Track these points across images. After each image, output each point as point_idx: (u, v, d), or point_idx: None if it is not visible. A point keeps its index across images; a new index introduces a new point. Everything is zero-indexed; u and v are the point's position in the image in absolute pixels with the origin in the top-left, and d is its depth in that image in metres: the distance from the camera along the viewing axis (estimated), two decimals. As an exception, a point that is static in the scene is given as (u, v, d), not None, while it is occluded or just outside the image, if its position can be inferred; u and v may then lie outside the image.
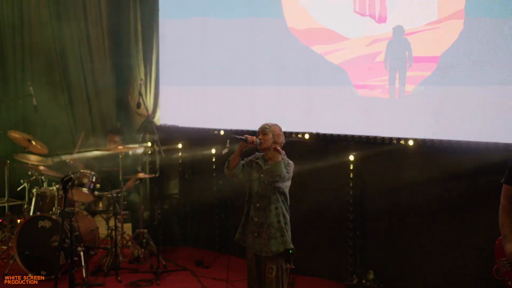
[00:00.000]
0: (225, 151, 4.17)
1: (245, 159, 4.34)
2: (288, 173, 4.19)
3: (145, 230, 6.80)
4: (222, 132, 6.74)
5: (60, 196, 6.16)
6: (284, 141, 4.33)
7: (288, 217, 4.30)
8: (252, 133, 6.38)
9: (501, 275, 3.70)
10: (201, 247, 7.10)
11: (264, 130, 4.26)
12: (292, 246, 4.23)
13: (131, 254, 6.61)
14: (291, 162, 4.28)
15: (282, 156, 4.26)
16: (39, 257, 5.82)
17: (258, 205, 4.24)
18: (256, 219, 4.25)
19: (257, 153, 4.37)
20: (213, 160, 6.84)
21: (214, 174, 6.87)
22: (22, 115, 7.76)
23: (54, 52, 7.98)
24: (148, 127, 7.44)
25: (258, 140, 4.23)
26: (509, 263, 3.65)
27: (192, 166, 7.19)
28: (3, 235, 6.65)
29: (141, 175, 6.73)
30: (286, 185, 4.25)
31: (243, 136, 4.22)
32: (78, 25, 8.12)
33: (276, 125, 4.32)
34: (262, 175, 4.23)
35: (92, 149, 7.17)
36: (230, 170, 4.24)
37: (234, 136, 4.26)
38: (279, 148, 4.16)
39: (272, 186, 4.16)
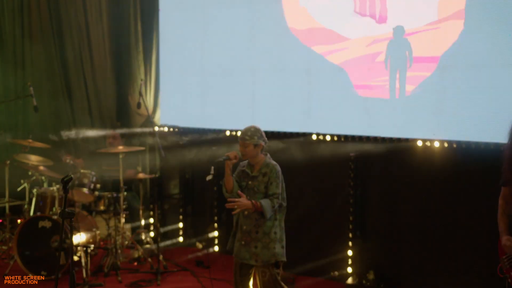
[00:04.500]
0: (209, 177, 4.15)
1: (233, 175, 4.27)
2: (278, 199, 4.11)
3: (146, 230, 6.80)
4: (221, 132, 6.74)
5: (60, 197, 6.16)
6: (265, 144, 4.22)
7: (283, 223, 4.24)
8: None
9: (505, 272, 3.75)
10: (201, 247, 7.10)
11: (244, 142, 4.15)
12: (283, 258, 4.19)
13: (131, 254, 6.61)
14: (277, 168, 4.16)
15: (267, 161, 4.19)
16: (39, 257, 5.82)
17: (246, 212, 4.16)
18: (244, 227, 4.19)
19: (241, 162, 4.29)
20: (213, 160, 6.83)
21: (214, 174, 6.85)
22: (22, 115, 7.77)
23: (54, 52, 7.98)
24: (149, 127, 7.44)
25: (239, 153, 4.18)
26: (508, 260, 3.69)
27: (192, 166, 7.19)
28: (3, 235, 6.65)
29: (141, 175, 6.73)
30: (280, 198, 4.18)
31: (224, 156, 4.15)
32: (78, 25, 8.12)
33: (256, 131, 4.17)
34: (250, 182, 4.18)
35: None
36: (228, 193, 4.18)
37: (217, 160, 4.15)
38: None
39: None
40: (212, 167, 4.12)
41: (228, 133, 6.71)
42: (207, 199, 6.99)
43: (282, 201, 4.18)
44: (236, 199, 4.08)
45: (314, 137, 5.97)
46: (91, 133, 7.54)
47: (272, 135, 6.22)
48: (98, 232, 6.35)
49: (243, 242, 4.19)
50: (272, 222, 4.15)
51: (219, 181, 6.82)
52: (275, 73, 6.36)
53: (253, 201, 4.07)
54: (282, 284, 4.22)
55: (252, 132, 4.17)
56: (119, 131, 7.15)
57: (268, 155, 4.26)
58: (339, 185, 5.77)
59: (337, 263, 5.82)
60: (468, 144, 4.93)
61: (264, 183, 4.15)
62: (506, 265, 3.72)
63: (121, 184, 6.44)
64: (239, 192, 4.14)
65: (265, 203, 4.06)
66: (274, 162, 4.22)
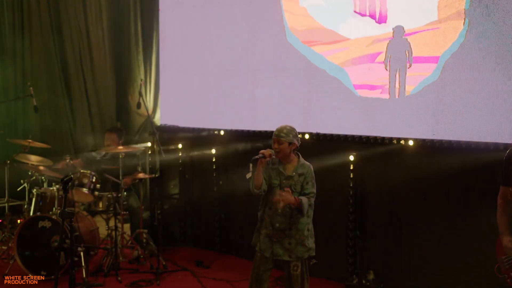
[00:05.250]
0: (248, 175, 4.19)
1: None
2: (314, 189, 4.28)
3: (145, 230, 6.79)
4: (222, 132, 6.75)
5: (60, 196, 6.16)
6: (299, 143, 4.30)
7: (311, 221, 4.36)
8: (253, 133, 6.44)
9: (502, 272, 3.74)
10: (201, 247, 7.10)
11: (279, 139, 4.20)
12: (314, 253, 4.35)
13: (131, 254, 6.61)
14: (312, 167, 4.29)
15: (302, 161, 4.28)
16: (39, 257, 5.82)
17: (280, 211, 4.23)
18: (277, 225, 4.25)
19: (271, 158, 4.32)
20: (213, 160, 6.84)
21: (214, 174, 6.86)
22: (22, 115, 7.77)
23: (54, 52, 7.98)
24: (148, 127, 7.44)
25: (273, 152, 4.24)
26: (508, 261, 3.69)
27: (192, 166, 7.19)
28: (3, 235, 6.64)
29: (141, 175, 6.72)
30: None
31: (260, 154, 4.20)
32: (78, 25, 8.13)
33: (291, 130, 4.24)
34: (284, 181, 4.23)
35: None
36: (258, 190, 4.23)
37: (254, 158, 4.19)
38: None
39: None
40: (251, 165, 4.16)
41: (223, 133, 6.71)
42: (207, 199, 6.99)
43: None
44: (283, 193, 4.11)
45: (314, 137, 5.97)
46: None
47: (272, 135, 6.23)
48: (98, 232, 6.35)
49: (274, 239, 4.26)
50: (306, 219, 4.27)
51: (219, 181, 6.86)
52: (275, 73, 6.36)
53: (296, 197, 4.14)
54: (308, 276, 4.36)
55: (287, 130, 4.22)
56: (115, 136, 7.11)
57: (300, 155, 4.32)
58: (339, 185, 5.76)
59: (337, 263, 5.82)
60: (468, 144, 4.92)
61: (300, 183, 4.23)
62: (506, 265, 3.71)
63: (121, 184, 6.44)
64: (286, 188, 4.17)
65: (305, 200, 4.15)
66: (308, 163, 4.31)
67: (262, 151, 4.21)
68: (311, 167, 4.30)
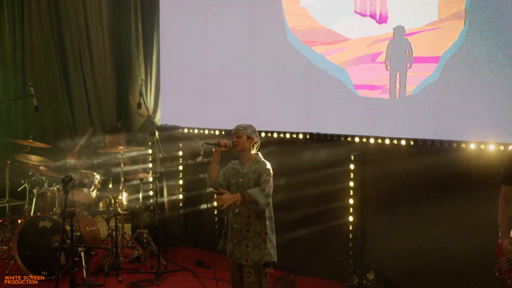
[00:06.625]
0: (199, 159, 4.16)
1: (223, 168, 4.32)
2: (269, 185, 4.13)
3: (146, 231, 6.80)
4: (222, 132, 6.75)
5: (60, 197, 6.17)
6: (259, 141, 4.30)
7: (273, 224, 4.26)
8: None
9: (503, 273, 3.74)
10: (201, 247, 7.11)
11: (237, 133, 4.23)
12: (274, 259, 4.18)
13: (131, 254, 6.61)
14: (267, 164, 4.21)
15: (258, 158, 4.24)
16: (40, 258, 5.83)
17: (237, 210, 4.19)
18: (235, 225, 4.21)
19: (233, 160, 4.35)
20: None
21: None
22: (22, 115, 7.78)
23: (54, 52, 7.99)
24: (149, 127, 7.44)
25: (230, 143, 4.22)
26: (508, 262, 3.69)
27: (192, 166, 7.19)
28: (4, 235, 6.65)
29: (142, 175, 6.73)
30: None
31: (215, 141, 4.21)
32: (78, 25, 8.13)
33: (250, 126, 4.28)
34: (240, 180, 4.20)
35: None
36: (212, 181, 4.21)
37: (207, 143, 4.22)
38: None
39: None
40: (202, 148, 4.15)
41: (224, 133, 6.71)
42: (207, 198, 6.98)
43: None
44: (219, 196, 4.06)
45: (314, 137, 5.97)
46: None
47: (272, 135, 6.24)
48: (98, 232, 6.36)
49: (235, 241, 4.21)
50: (263, 222, 4.16)
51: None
52: (275, 73, 6.36)
53: (241, 192, 4.07)
54: (265, 285, 4.20)
55: (246, 125, 4.28)
56: (118, 136, 7.13)
57: (260, 154, 4.30)
58: (339, 185, 5.76)
59: (337, 263, 5.83)
60: (468, 144, 4.92)
61: (254, 180, 4.17)
62: (506, 266, 3.72)
63: (121, 185, 6.45)
64: (222, 190, 4.14)
65: (253, 190, 4.07)
66: (264, 160, 4.26)
67: (219, 140, 4.22)
68: (268, 164, 4.21)
